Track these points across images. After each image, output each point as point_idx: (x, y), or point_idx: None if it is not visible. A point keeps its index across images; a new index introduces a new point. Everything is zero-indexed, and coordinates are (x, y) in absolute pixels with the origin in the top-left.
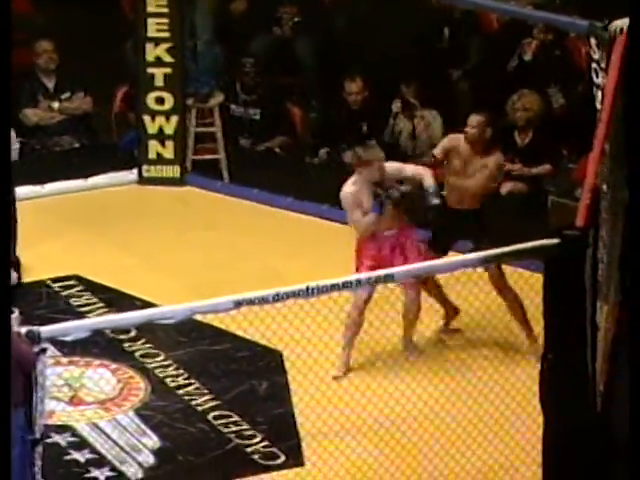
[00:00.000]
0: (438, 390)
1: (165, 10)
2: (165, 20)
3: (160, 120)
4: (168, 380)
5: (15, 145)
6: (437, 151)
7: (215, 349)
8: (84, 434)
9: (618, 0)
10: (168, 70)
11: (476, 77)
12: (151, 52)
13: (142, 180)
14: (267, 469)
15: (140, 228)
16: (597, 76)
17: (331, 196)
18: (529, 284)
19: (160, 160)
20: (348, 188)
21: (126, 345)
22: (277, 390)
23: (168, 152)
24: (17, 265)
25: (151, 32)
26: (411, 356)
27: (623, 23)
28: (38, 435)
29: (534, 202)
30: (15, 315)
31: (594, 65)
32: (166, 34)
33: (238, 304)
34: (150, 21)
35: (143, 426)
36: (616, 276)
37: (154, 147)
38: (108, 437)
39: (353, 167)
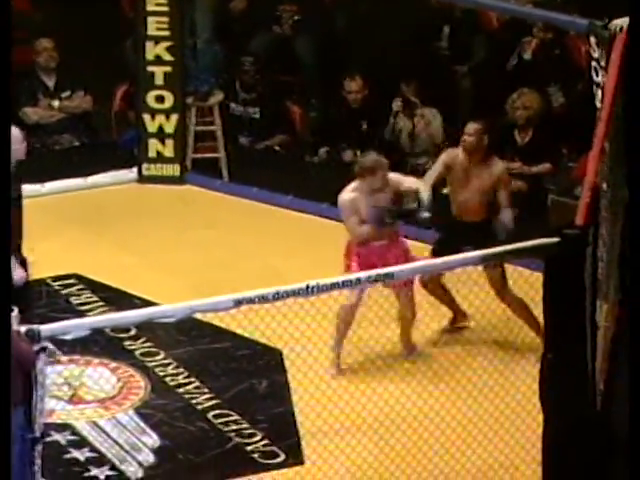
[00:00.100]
0: (438, 389)
1: (165, 8)
2: (165, 18)
3: (160, 118)
4: (168, 379)
5: (23, 144)
6: (437, 166)
7: (215, 348)
8: (84, 433)
9: None
10: (168, 68)
11: (476, 76)
12: (151, 50)
13: (142, 179)
14: (267, 468)
15: (140, 227)
16: (597, 75)
17: (331, 195)
18: (529, 283)
19: (160, 159)
20: (347, 195)
21: (126, 344)
22: (277, 389)
23: (168, 150)
24: (25, 264)
25: (151, 30)
26: (410, 356)
27: (623, 22)
28: (38, 434)
29: (534, 201)
30: (15, 314)
31: (594, 64)
32: (166, 32)
33: (238, 303)
34: (150, 19)
35: (143, 425)
36: (616, 275)
37: (154, 145)
38: (108, 436)
39: (356, 174)
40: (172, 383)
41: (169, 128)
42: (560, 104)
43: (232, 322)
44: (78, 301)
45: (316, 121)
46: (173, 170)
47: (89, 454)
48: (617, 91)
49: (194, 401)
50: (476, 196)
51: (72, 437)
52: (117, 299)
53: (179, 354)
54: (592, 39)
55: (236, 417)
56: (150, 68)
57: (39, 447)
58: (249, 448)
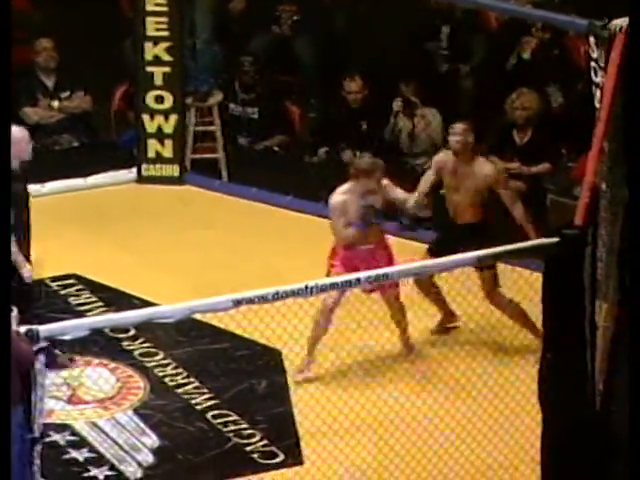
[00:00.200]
0: (437, 389)
1: (164, 9)
2: (164, 19)
3: (159, 119)
4: (167, 379)
5: (30, 144)
6: (429, 173)
7: (214, 348)
8: (83, 433)
9: None
10: (167, 69)
11: (476, 76)
12: (150, 51)
13: (141, 179)
14: (266, 468)
15: (139, 227)
16: (596, 75)
17: (330, 195)
18: (528, 283)
19: (159, 159)
20: (339, 196)
21: (125, 344)
22: (276, 389)
23: (167, 151)
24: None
25: (150, 31)
26: (409, 355)
27: (622, 22)
28: (37, 434)
29: (533, 201)
30: (14, 314)
31: (593, 64)
32: (165, 33)
33: (237, 303)
34: (149, 20)
35: (142, 425)
36: (615, 275)
37: (153, 146)
38: (107, 436)
39: (351, 176)
40: (171, 383)
41: (168, 128)
42: (559, 104)
43: (231, 322)
44: (77, 301)
45: (315, 121)
46: (172, 170)
47: (88, 454)
48: (616, 91)
49: (193, 401)
50: (467, 197)
51: (71, 437)
52: (116, 299)
53: (178, 354)
54: (591, 39)
55: (235, 417)
56: (149, 68)
57: (38, 447)
58: (248, 448)
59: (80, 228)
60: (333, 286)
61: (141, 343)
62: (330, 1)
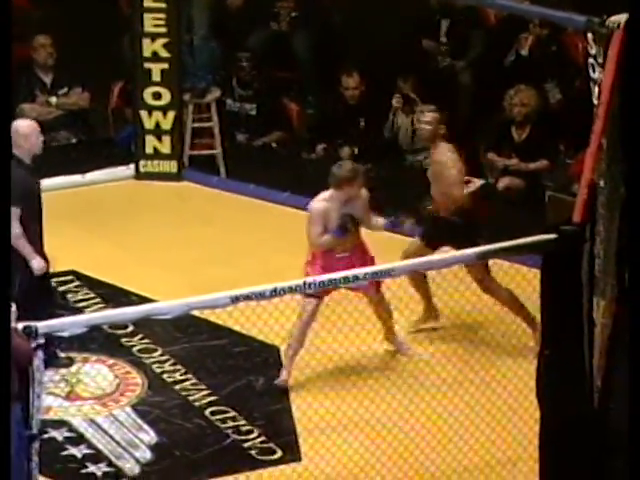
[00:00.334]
0: (435, 386)
1: (162, 5)
2: (162, 15)
3: (157, 115)
4: (165, 375)
5: (40, 137)
6: None
7: (212, 345)
8: (81, 429)
9: None
10: (165, 65)
11: (474, 72)
12: (148, 47)
13: (139, 175)
14: (264, 464)
15: (137, 223)
16: (594, 71)
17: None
18: (526, 279)
19: (157, 155)
20: (319, 204)
21: (123, 340)
22: (274, 386)
23: (165, 147)
24: (46, 257)
25: (148, 27)
26: (402, 352)
27: (620, 18)
28: (35, 430)
29: (531, 197)
30: (12, 310)
31: (591, 60)
32: (163, 29)
33: (235, 299)
34: (147, 16)
35: (140, 421)
36: (613, 271)
37: (151, 142)
38: (105, 432)
39: (332, 185)
40: (169, 380)
41: (166, 125)
42: (557, 100)
43: (229, 319)
44: (75, 298)
45: (313, 118)
46: (170, 167)
47: (86, 451)
48: (614, 88)
49: (191, 398)
50: (434, 192)
51: (69, 434)
52: (114, 296)
53: (176, 351)
54: (589, 36)
55: (233, 414)
56: (147, 65)
57: (36, 444)
58: (246, 445)
59: (78, 225)
60: (331, 282)
61: (139, 339)
62: None
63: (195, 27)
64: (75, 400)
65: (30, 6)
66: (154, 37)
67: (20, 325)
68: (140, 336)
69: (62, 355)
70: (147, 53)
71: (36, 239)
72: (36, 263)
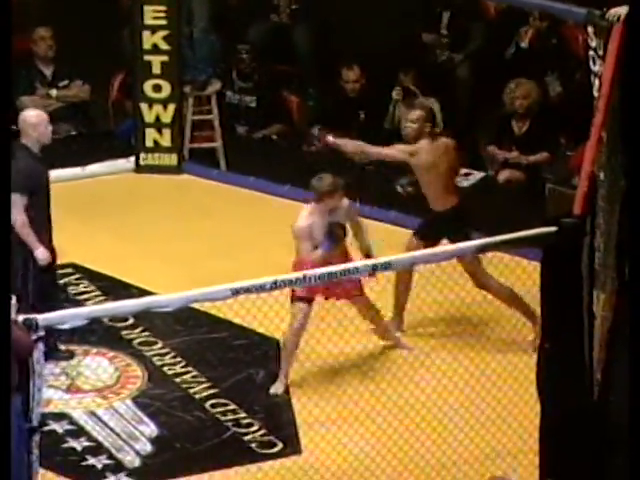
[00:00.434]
0: (435, 378)
1: None
2: (162, 7)
3: (157, 108)
4: (165, 368)
5: (49, 127)
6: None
7: (212, 337)
8: (81, 422)
9: None
10: (165, 58)
11: (474, 65)
12: (148, 40)
13: (139, 168)
14: (264, 457)
15: (137, 216)
16: (594, 64)
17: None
18: (527, 272)
19: (157, 148)
20: (303, 222)
21: (123, 333)
22: (274, 378)
23: (165, 140)
24: (53, 250)
25: (148, 20)
26: (399, 346)
27: (621, 11)
28: (35, 423)
29: (531, 190)
30: (12, 302)
31: (591, 53)
32: (163, 22)
33: (235, 292)
34: (147, 9)
35: (140, 414)
36: (613, 264)
37: (151, 135)
38: (105, 425)
39: (314, 199)
40: (170, 372)
41: (166, 117)
42: (557, 93)
43: (229, 312)
44: (75, 290)
45: (314, 110)
46: (170, 160)
47: (87, 443)
48: (615, 81)
49: (191, 390)
50: (430, 183)
51: (70, 426)
52: (114, 288)
53: (176, 343)
54: (590, 28)
55: (233, 407)
56: (147, 57)
57: (37, 437)
58: (247, 438)
59: (78, 217)
60: (331, 276)
61: (139, 332)
62: None
63: (195, 19)
64: (75, 393)
65: None
66: (154, 29)
67: (20, 317)
68: (140, 329)
69: (63, 348)
70: (147, 45)
71: (42, 229)
72: (40, 253)
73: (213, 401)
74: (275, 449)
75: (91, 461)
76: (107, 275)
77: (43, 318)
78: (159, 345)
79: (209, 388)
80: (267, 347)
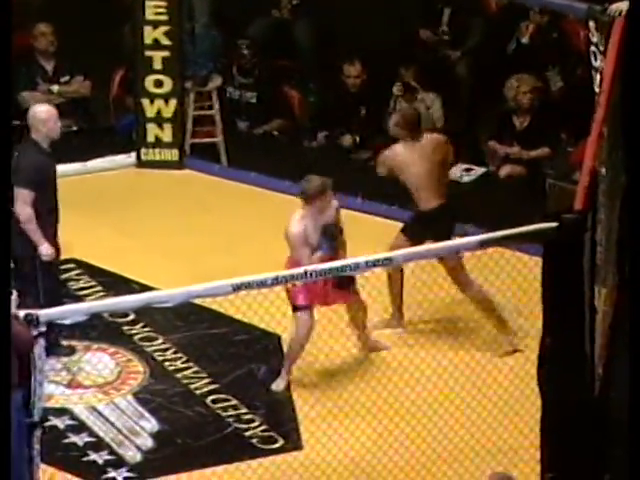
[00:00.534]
0: (436, 374)
1: None
2: (163, 3)
3: (159, 103)
4: (166, 364)
5: (58, 123)
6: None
7: (213, 333)
8: (82, 417)
9: None
10: (166, 53)
11: (475, 60)
12: (149, 35)
13: (140, 163)
14: (265, 453)
15: (138, 211)
16: (595, 59)
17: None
18: (528, 267)
19: (158, 143)
20: (296, 228)
21: (124, 329)
22: (275, 374)
23: (166, 135)
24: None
25: (149, 15)
26: (374, 351)
27: (622, 6)
28: (37, 418)
29: (532, 185)
30: (13, 297)
31: (593, 48)
32: (164, 17)
33: (236, 288)
34: (148, 4)
35: (141, 409)
36: (614, 259)
37: (152, 130)
38: (106, 420)
39: (303, 202)
40: (170, 368)
41: (167, 113)
42: (559, 88)
43: (230, 307)
44: (76, 286)
45: (315, 106)
46: (171, 155)
47: (88, 439)
48: (616, 76)
49: (192, 386)
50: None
51: (71, 422)
52: (115, 284)
53: (177, 339)
54: (591, 24)
55: (234, 402)
56: (148, 53)
57: (38, 432)
58: (248, 433)
59: (79, 213)
60: (332, 271)
61: (140, 328)
62: None
63: (197, 14)
64: (77, 388)
65: None
66: (155, 25)
67: (21, 312)
68: (141, 324)
69: (64, 343)
70: (148, 41)
71: (48, 225)
72: (44, 249)
73: (214, 397)
74: (276, 445)
75: (92, 456)
76: (108, 270)
77: (44, 313)
78: (160, 341)
79: (210, 384)
80: (268, 342)
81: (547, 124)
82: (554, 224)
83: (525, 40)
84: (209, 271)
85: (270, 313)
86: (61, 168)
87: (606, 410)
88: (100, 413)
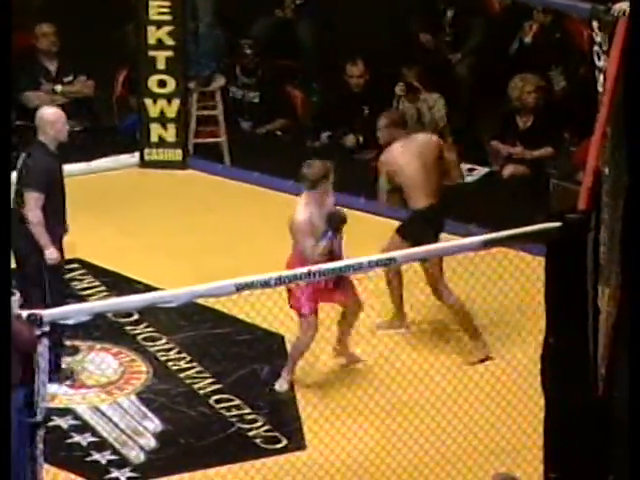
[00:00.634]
0: (440, 373)
1: None
2: (166, 3)
3: (162, 103)
4: (170, 364)
5: (66, 125)
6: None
7: (216, 332)
8: (86, 417)
9: None
10: (170, 53)
11: (478, 60)
12: (153, 35)
13: (144, 163)
14: (269, 453)
15: (142, 211)
16: (599, 59)
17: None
18: (531, 267)
19: (162, 143)
20: (303, 215)
21: (128, 329)
22: (278, 374)
23: (170, 135)
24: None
25: (153, 15)
26: (351, 364)
27: (625, 6)
28: (40, 418)
29: (536, 185)
30: (16, 297)
31: (596, 48)
32: (167, 17)
33: (240, 288)
34: (151, 4)
35: (145, 409)
36: (617, 259)
37: (156, 130)
38: (110, 420)
39: (307, 187)
40: (174, 368)
41: (171, 113)
42: (562, 88)
43: (234, 307)
44: (80, 286)
45: (318, 106)
46: (175, 155)
47: (91, 439)
48: (619, 76)
49: (196, 386)
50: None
51: (74, 422)
52: (119, 284)
53: (181, 339)
54: (594, 23)
55: (238, 402)
56: (152, 53)
57: (41, 432)
58: (251, 433)
59: (83, 213)
60: (335, 270)
61: (144, 328)
62: None
63: (200, 14)
64: (80, 388)
65: None
66: (159, 25)
67: (25, 313)
68: (145, 324)
69: (67, 343)
70: (152, 41)
71: (55, 227)
72: (50, 253)
73: (217, 396)
74: (279, 445)
75: (95, 456)
76: (112, 270)
77: (47, 313)
78: (163, 340)
79: (213, 383)
80: (271, 342)
81: (550, 124)
82: (557, 224)
83: (528, 40)
84: (212, 271)
85: (273, 313)
86: (65, 168)
87: (609, 410)
88: (103, 413)
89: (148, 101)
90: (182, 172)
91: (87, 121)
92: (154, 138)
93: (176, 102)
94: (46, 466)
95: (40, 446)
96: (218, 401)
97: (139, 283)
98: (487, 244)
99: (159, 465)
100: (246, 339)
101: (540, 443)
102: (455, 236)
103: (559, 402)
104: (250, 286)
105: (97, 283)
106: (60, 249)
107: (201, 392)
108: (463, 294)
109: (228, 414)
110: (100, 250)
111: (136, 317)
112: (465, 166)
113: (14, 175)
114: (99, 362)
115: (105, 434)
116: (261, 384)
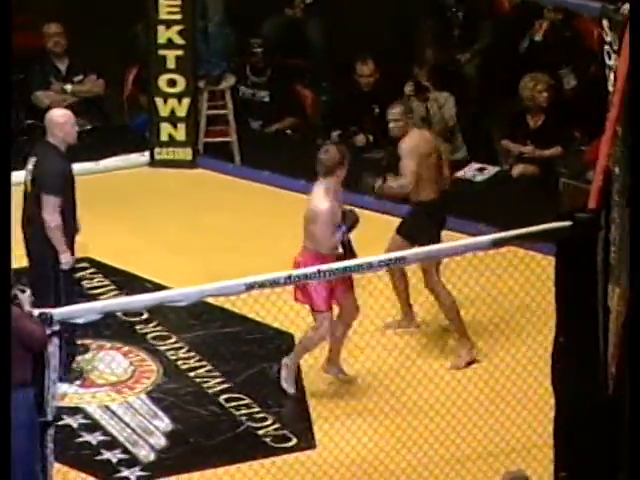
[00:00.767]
0: (450, 373)
1: None
2: (176, 2)
3: (172, 102)
4: (179, 362)
5: (75, 127)
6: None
7: (226, 332)
8: (96, 416)
9: None
10: (180, 52)
11: (488, 59)
12: (163, 34)
13: (154, 162)
14: (278, 452)
15: (152, 210)
16: (609, 58)
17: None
18: (541, 266)
19: (172, 142)
20: (326, 204)
21: (138, 328)
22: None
23: (180, 134)
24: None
25: (162, 14)
26: (340, 375)
27: None
28: (50, 417)
29: (546, 184)
30: (27, 295)
31: (606, 47)
32: (177, 16)
33: (249, 287)
34: (162, 3)
35: (155, 408)
36: (628, 259)
37: (166, 129)
38: (120, 419)
39: (324, 173)
40: (184, 367)
41: (181, 112)
42: (572, 87)
43: (244, 306)
44: (90, 285)
45: (327, 105)
46: (185, 154)
47: (101, 437)
48: (630, 75)
49: (205, 385)
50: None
51: (84, 421)
52: (129, 283)
53: (190, 338)
54: (605, 22)
55: (247, 401)
56: (162, 52)
57: (52, 430)
58: (261, 432)
59: (93, 212)
60: (346, 270)
61: (154, 327)
62: None
63: (210, 14)
64: (90, 387)
65: None
66: (169, 24)
67: (36, 311)
68: (155, 323)
69: (78, 342)
70: (162, 40)
71: (67, 228)
72: (64, 257)
73: (227, 395)
74: (289, 443)
75: (106, 455)
76: (121, 269)
77: (58, 312)
78: (173, 339)
79: (223, 382)
80: (281, 341)
81: (560, 123)
82: (567, 223)
83: (538, 38)
84: (222, 270)
85: (283, 312)
86: (75, 167)
87: (619, 409)
88: (113, 412)
89: (158, 100)
90: (192, 171)
91: (97, 120)
92: (164, 137)
93: (186, 101)
94: (56, 465)
95: (50, 445)
96: (228, 400)
97: (149, 282)
98: (497, 243)
99: (169, 464)
100: (256, 338)
101: (550, 442)
102: (465, 235)
103: (569, 401)
104: (260, 285)
105: (107, 282)
106: (72, 248)
107: (211, 391)
108: (473, 293)
109: (238, 413)
110: (110, 249)
111: (146, 316)
112: (475, 165)
113: (15, 175)
114: (109, 361)
115: (115, 433)
116: (271, 383)
